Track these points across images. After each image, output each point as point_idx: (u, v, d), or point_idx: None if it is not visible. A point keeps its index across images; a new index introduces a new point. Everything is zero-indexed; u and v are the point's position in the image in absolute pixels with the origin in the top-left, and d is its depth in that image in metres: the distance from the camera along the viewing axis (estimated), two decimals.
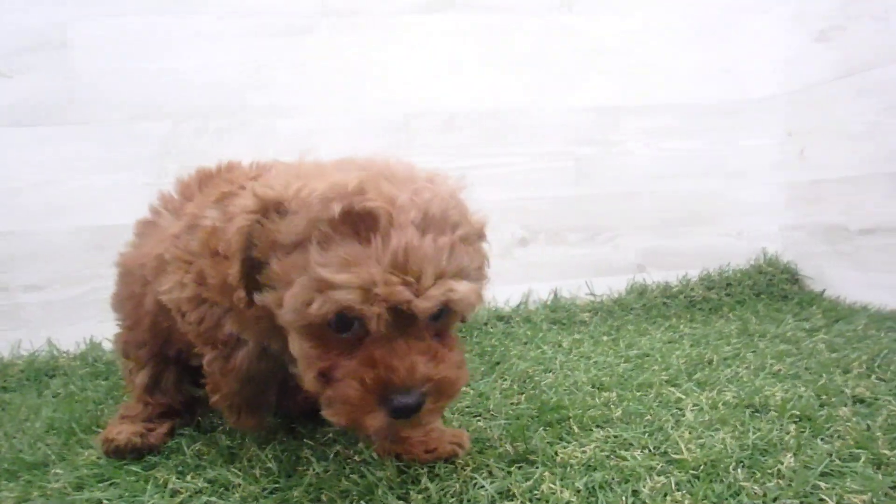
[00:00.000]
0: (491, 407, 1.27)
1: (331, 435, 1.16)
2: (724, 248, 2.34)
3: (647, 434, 1.09)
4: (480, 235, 0.91)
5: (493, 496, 0.90)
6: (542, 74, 2.22)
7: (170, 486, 1.00)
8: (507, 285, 2.18)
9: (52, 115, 1.90)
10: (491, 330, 1.96)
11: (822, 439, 1.03)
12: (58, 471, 1.08)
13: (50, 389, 1.61)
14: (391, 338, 0.79)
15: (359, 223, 0.77)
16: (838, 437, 1.04)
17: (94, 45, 1.91)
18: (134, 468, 1.08)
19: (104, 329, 1.80)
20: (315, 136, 2.06)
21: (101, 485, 1.03)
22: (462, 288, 0.79)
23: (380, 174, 0.82)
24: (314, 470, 1.01)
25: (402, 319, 0.78)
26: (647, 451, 1.03)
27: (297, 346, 0.85)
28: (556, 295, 2.20)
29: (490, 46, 2.19)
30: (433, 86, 2.16)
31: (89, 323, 1.92)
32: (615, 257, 2.30)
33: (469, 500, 0.89)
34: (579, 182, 2.25)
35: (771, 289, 2.19)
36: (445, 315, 0.84)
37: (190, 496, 0.96)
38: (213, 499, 0.95)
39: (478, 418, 1.22)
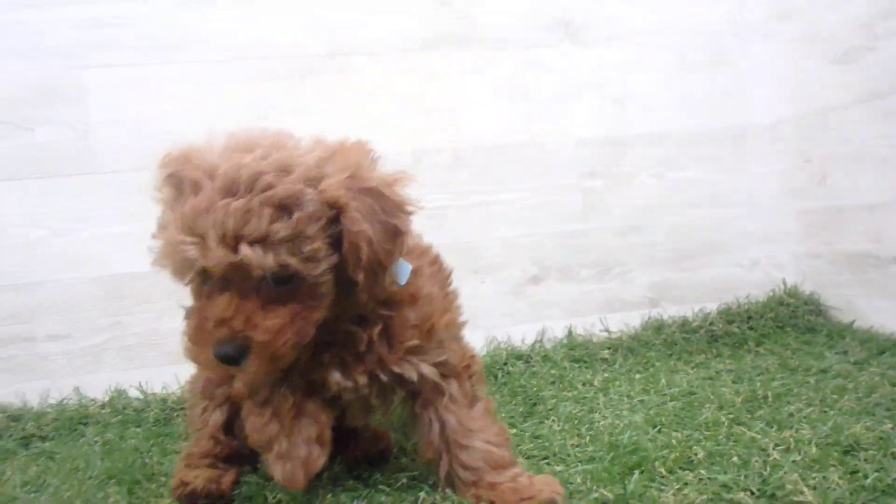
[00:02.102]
0: (557, 451, 1.16)
1: (404, 481, 1.05)
2: (737, 279, 2.26)
3: (742, 476, 0.99)
4: (318, 209, 0.88)
5: None
6: (548, 106, 2.16)
7: None
8: (520, 324, 2.10)
9: (68, 166, 1.88)
10: (512, 369, 1.86)
11: None
12: None
13: (86, 438, 1.60)
14: (220, 292, 0.86)
15: (179, 189, 0.87)
16: None
17: (107, 96, 1.90)
18: None
19: (127, 377, 1.87)
20: None
21: None
22: (248, 252, 0.81)
23: (237, 145, 0.91)
24: None
25: (237, 276, 0.84)
26: (750, 492, 0.92)
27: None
28: (570, 332, 2.10)
29: (495, 81, 2.13)
30: (441, 122, 2.09)
31: (112, 371, 1.90)
32: (627, 292, 2.21)
33: None
34: (587, 216, 2.17)
35: (794, 321, 2.11)
36: (289, 280, 0.87)
37: None
38: None
39: (546, 461, 1.10)
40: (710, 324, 2.10)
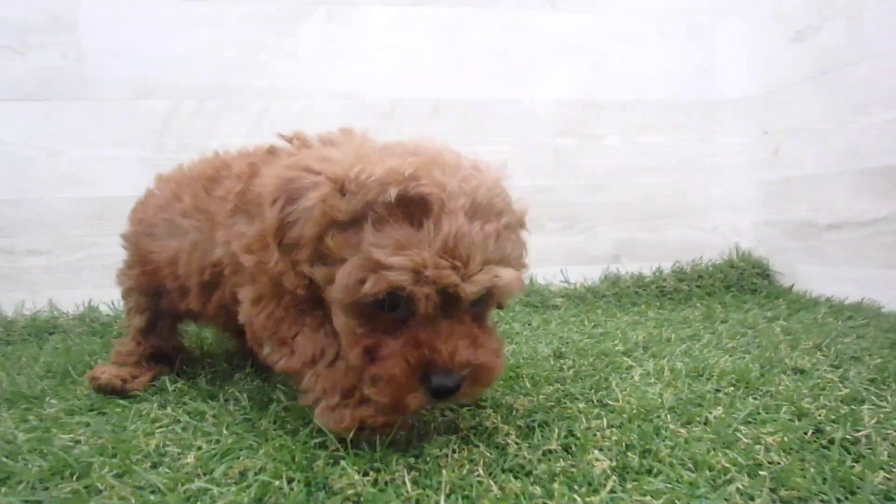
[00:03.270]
0: None
1: None
2: (698, 242, 2.42)
3: (592, 389, 1.17)
4: (521, 223, 0.96)
5: (440, 428, 0.97)
6: (527, 67, 2.31)
7: (152, 415, 1.10)
8: None
9: (59, 91, 2.01)
10: None
11: (753, 397, 1.11)
12: (53, 401, 1.19)
13: (50, 344, 1.74)
14: (435, 320, 0.83)
15: (412, 208, 0.81)
16: (769, 395, 1.11)
17: (100, 26, 2.02)
18: (121, 401, 1.19)
19: (102, 293, 1.99)
20: (306, 119, 2.14)
21: (90, 412, 1.14)
22: (506, 275, 0.83)
23: (431, 161, 0.85)
24: (283, 404, 1.10)
25: (446, 303, 0.82)
26: (590, 402, 1.10)
27: (342, 322, 0.89)
28: (532, 280, 2.27)
29: (477, 39, 2.28)
30: (420, 74, 2.25)
31: (88, 287, 2.05)
32: (591, 247, 2.38)
33: (419, 433, 0.96)
34: (558, 173, 2.33)
35: (741, 282, 2.27)
36: (485, 301, 0.88)
37: (169, 423, 1.05)
38: (191, 421, 1.03)
39: None
40: (663, 280, 2.27)
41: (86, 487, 0.80)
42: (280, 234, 0.89)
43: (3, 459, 0.88)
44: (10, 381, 1.34)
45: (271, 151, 1.08)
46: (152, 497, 0.77)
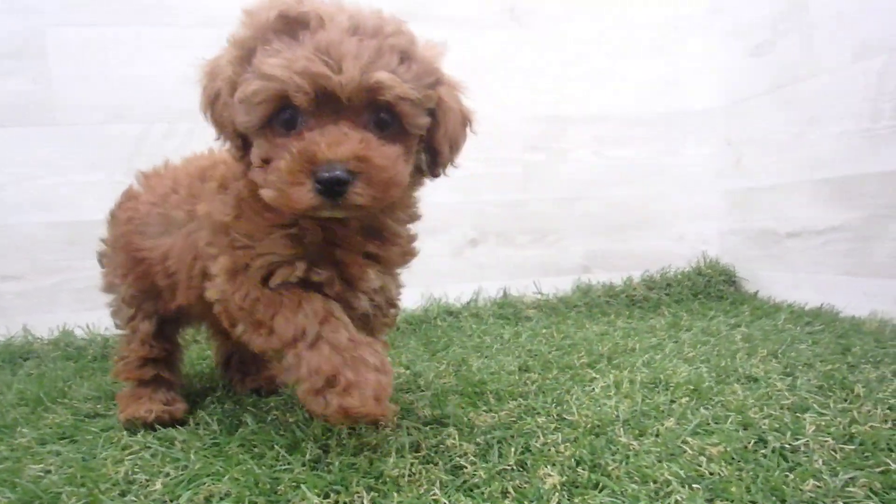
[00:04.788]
0: (422, 384, 1.39)
1: (272, 403, 1.29)
2: (666, 251, 2.47)
3: (553, 403, 1.21)
4: (428, 67, 0.98)
5: (403, 447, 1.01)
6: (496, 84, 2.34)
7: (122, 441, 1.13)
8: (458, 284, 2.31)
9: (31, 117, 2.01)
10: (440, 324, 2.08)
11: (704, 407, 1.16)
12: (24, 430, 1.21)
13: (24, 370, 1.76)
14: (323, 122, 0.88)
15: (294, 26, 0.88)
16: (721, 405, 1.16)
17: (69, 51, 2.03)
18: (92, 428, 1.21)
19: (77, 318, 2.01)
20: None
21: (62, 441, 1.16)
22: (384, 75, 0.87)
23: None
24: (250, 428, 1.13)
25: (327, 104, 0.88)
26: (549, 416, 1.15)
27: (255, 153, 0.94)
28: (505, 293, 2.32)
29: (447, 57, 2.31)
30: None
31: (63, 311, 2.05)
32: (562, 259, 2.42)
33: (382, 453, 1.00)
34: (528, 187, 2.38)
35: (708, 289, 2.32)
36: (390, 119, 0.92)
37: (139, 449, 1.08)
38: (160, 448, 1.06)
39: (408, 393, 1.33)
40: (633, 289, 2.32)
41: None
42: (210, 109, 0.99)
43: None
44: None
45: None
46: None
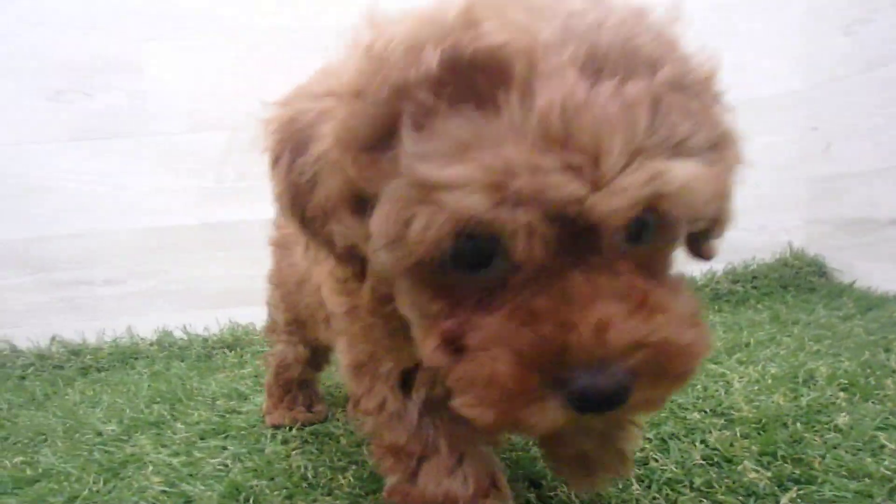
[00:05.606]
0: None
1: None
2: (746, 242, 2.37)
3: (700, 399, 1.13)
4: (708, 87, 0.57)
5: None
6: None
7: (280, 436, 1.15)
8: None
9: (127, 129, 2.10)
10: None
11: (871, 402, 1.07)
12: (179, 425, 1.25)
13: (136, 369, 1.85)
14: (559, 274, 0.47)
15: (475, 76, 0.45)
16: (889, 400, 1.07)
17: (162, 67, 2.11)
18: (237, 423, 1.24)
19: (173, 318, 2.12)
20: None
21: (220, 436, 1.19)
22: (681, 171, 0.46)
23: None
24: None
25: (575, 240, 0.46)
26: (704, 412, 1.07)
27: (406, 299, 0.56)
28: None
29: None
30: None
31: (159, 313, 2.14)
32: None
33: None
34: None
35: (798, 281, 2.22)
36: (654, 231, 0.52)
37: (300, 444, 1.10)
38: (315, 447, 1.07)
39: None
40: (716, 283, 2.23)
41: None
42: (298, 206, 0.57)
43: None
44: (131, 408, 1.41)
45: None
46: None
